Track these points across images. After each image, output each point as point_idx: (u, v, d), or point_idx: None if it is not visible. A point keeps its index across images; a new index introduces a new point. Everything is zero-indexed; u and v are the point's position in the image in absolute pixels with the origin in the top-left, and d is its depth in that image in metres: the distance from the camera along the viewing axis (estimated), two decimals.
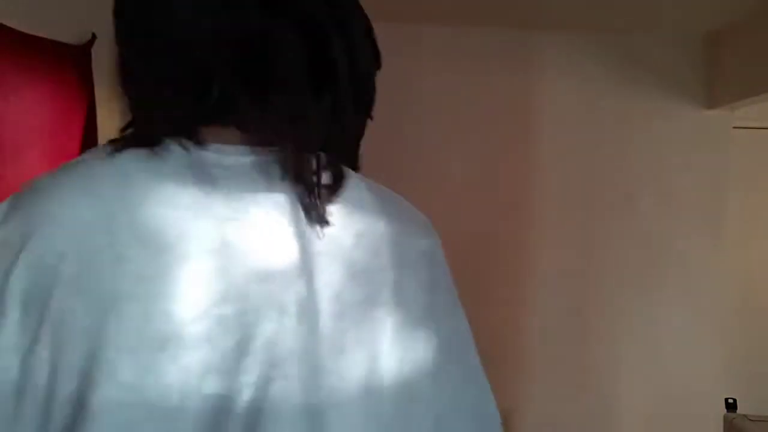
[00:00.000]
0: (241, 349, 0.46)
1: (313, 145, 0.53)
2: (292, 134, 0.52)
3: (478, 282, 2.64)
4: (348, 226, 0.53)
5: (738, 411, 2.65)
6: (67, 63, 1.66)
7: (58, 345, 0.44)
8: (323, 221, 0.51)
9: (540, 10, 2.40)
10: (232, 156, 0.52)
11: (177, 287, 0.46)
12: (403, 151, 2.64)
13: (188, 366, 0.45)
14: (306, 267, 0.50)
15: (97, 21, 1.74)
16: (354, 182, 0.56)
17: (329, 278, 0.50)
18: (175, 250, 0.46)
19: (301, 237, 0.50)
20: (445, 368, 0.54)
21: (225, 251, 0.47)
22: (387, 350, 0.51)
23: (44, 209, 0.48)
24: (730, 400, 2.66)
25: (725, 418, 2.61)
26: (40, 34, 1.54)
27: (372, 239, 0.53)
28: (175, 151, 0.50)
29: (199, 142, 0.51)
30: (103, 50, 1.76)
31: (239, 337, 0.46)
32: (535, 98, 2.67)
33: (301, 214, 0.51)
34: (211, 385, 0.45)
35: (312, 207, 0.51)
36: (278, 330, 0.48)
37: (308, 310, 0.49)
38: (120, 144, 0.51)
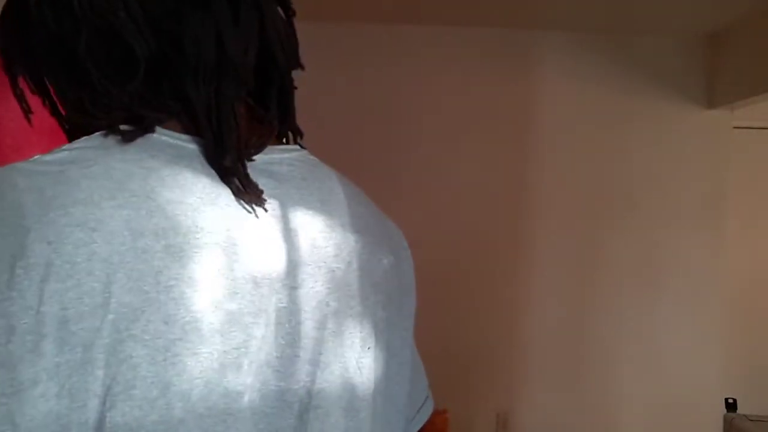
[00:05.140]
0: (246, 349, 0.47)
1: (231, 136, 0.50)
2: (212, 123, 0.49)
3: (478, 282, 2.64)
4: (330, 237, 0.54)
5: (738, 411, 2.64)
6: None
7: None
8: (257, 201, 0.49)
9: (540, 10, 2.41)
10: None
11: (194, 276, 0.45)
12: (402, 152, 2.64)
13: (207, 358, 0.44)
14: (290, 277, 0.50)
15: None
16: (332, 185, 0.56)
17: (312, 289, 0.51)
18: (190, 239, 0.45)
19: (289, 244, 0.51)
20: (394, 389, 0.58)
21: (230, 246, 0.47)
22: (354, 363, 0.53)
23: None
24: (730, 400, 2.66)
25: (725, 418, 2.61)
26: None
27: (347, 251, 0.54)
28: (158, 140, 0.48)
29: (153, 131, 0.48)
30: None
31: (244, 337, 0.47)
32: (536, 99, 2.67)
33: (290, 219, 0.51)
34: (228, 381, 0.45)
35: (243, 190, 0.49)
36: (264, 336, 0.48)
37: (288, 320, 0.50)
38: (121, 135, 0.48)
